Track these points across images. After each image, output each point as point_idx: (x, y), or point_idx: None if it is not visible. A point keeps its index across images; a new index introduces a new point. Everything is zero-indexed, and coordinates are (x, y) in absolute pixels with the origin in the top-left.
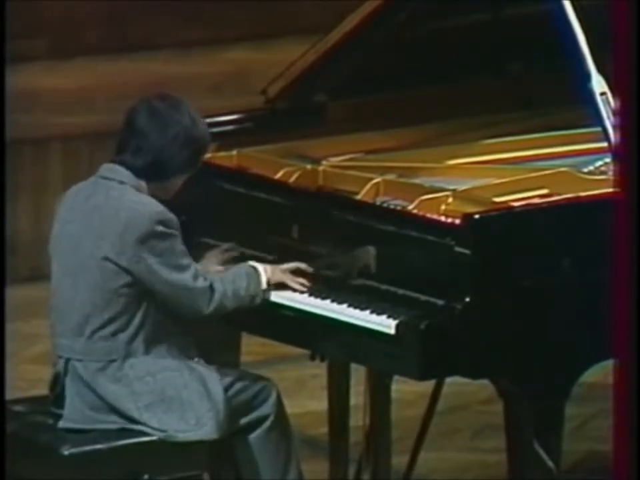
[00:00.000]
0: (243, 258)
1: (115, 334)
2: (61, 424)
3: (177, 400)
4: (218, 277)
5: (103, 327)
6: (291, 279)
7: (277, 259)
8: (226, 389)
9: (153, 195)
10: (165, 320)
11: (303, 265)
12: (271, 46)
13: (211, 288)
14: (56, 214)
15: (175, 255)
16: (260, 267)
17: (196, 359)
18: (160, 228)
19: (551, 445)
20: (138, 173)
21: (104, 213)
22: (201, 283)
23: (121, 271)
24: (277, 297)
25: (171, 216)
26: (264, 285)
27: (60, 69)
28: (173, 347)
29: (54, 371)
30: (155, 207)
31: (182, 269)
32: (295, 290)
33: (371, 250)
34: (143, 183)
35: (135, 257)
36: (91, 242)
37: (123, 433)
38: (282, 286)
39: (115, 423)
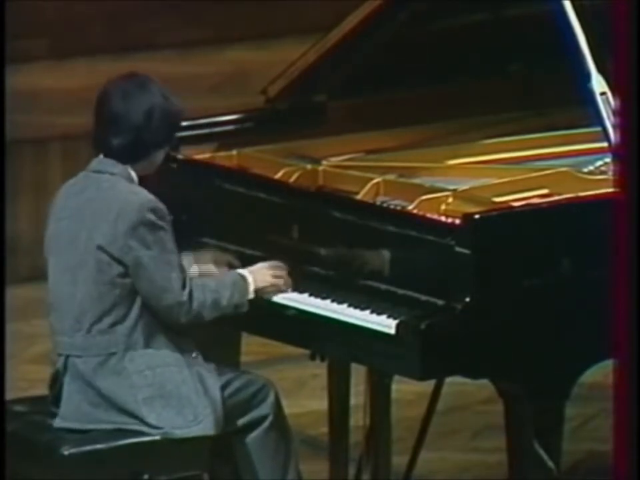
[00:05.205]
0: (242, 258)
1: (113, 326)
2: (56, 423)
3: (175, 395)
4: (201, 282)
5: (100, 319)
6: (273, 279)
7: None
8: (224, 388)
9: (141, 178)
10: None
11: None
12: (271, 46)
13: (190, 297)
14: (50, 212)
15: (166, 251)
16: (249, 276)
17: (194, 354)
18: (151, 216)
19: (551, 445)
20: (121, 156)
21: (96, 205)
22: (182, 288)
23: (113, 261)
24: (277, 297)
25: (162, 206)
26: (250, 295)
27: (60, 69)
28: (171, 339)
29: (53, 369)
30: (147, 196)
31: (170, 267)
32: (280, 290)
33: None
34: (131, 171)
35: (125, 247)
36: (86, 235)
37: (123, 432)
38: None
39: (111, 422)
